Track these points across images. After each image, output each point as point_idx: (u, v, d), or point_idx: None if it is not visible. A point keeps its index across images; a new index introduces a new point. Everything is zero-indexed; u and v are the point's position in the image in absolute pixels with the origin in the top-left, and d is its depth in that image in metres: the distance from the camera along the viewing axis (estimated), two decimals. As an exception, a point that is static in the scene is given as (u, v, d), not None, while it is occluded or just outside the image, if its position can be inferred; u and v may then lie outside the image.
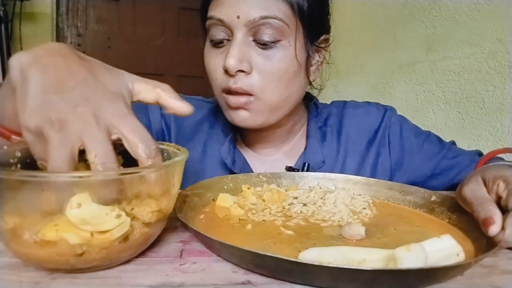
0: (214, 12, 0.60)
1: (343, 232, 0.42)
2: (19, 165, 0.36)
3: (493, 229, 0.37)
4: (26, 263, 0.32)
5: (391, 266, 0.31)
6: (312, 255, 0.33)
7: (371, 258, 0.32)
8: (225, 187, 0.55)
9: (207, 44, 0.63)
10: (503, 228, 0.37)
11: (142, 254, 0.35)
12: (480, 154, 0.75)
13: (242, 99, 0.60)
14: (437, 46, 1.30)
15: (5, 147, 0.36)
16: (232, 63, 0.57)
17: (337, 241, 0.40)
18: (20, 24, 2.29)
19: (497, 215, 0.38)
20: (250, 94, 0.60)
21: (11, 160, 0.36)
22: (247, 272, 0.33)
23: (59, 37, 2.53)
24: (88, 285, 0.30)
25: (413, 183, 0.58)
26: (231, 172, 0.69)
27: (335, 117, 0.76)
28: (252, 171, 0.70)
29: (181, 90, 0.81)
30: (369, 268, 0.28)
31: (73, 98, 0.31)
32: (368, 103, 0.79)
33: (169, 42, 2.76)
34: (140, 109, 0.70)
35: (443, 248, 0.33)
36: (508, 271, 0.36)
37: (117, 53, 2.64)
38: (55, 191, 0.29)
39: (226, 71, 0.59)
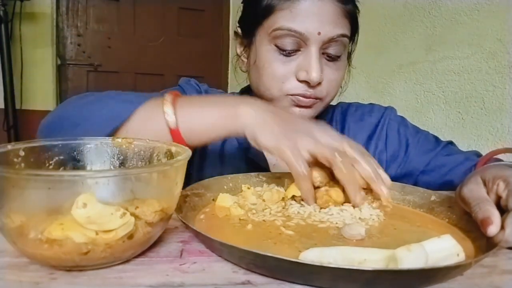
0: (292, 24, 0.62)
1: (343, 232, 0.42)
2: (23, 164, 0.36)
3: (492, 230, 0.37)
4: (30, 261, 0.32)
5: (391, 266, 0.31)
6: (313, 255, 0.33)
7: (371, 258, 0.32)
8: (225, 187, 0.55)
9: (271, 49, 0.65)
10: (502, 228, 0.37)
11: (142, 254, 0.35)
12: (477, 154, 0.75)
13: (311, 102, 0.67)
14: (437, 46, 1.30)
15: (9, 146, 0.36)
16: (317, 77, 0.63)
17: (338, 241, 0.40)
18: (20, 24, 2.29)
19: (494, 215, 0.38)
20: (319, 99, 0.67)
21: (15, 159, 0.36)
22: (247, 272, 0.33)
23: (59, 37, 2.53)
24: (88, 285, 0.30)
25: (405, 176, 0.61)
26: (247, 158, 0.73)
27: (340, 114, 0.83)
28: (265, 158, 0.74)
29: (181, 90, 0.81)
30: (369, 269, 0.28)
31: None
32: (371, 103, 0.85)
33: (169, 42, 2.76)
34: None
35: (443, 248, 0.33)
36: (508, 271, 0.36)
37: (117, 53, 2.64)
38: (61, 190, 0.29)
39: (302, 81, 0.64)
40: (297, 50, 0.64)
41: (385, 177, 0.50)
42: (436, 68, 1.30)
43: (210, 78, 2.86)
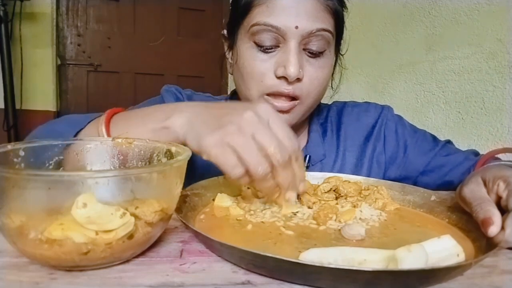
0: (268, 18, 0.61)
1: (343, 232, 0.42)
2: (23, 164, 0.36)
3: (493, 230, 0.37)
4: (30, 261, 0.32)
5: (391, 266, 0.31)
6: (313, 256, 0.33)
7: (371, 259, 0.32)
8: (225, 187, 0.55)
9: (250, 46, 0.64)
10: (503, 228, 0.37)
11: (142, 254, 0.35)
12: (476, 153, 0.75)
13: (287, 104, 0.64)
14: (437, 46, 1.30)
15: (9, 146, 0.36)
16: (294, 72, 0.60)
17: (338, 241, 0.40)
18: (20, 24, 2.29)
19: (496, 215, 0.38)
20: (296, 99, 0.64)
21: (15, 159, 0.36)
22: (247, 272, 0.33)
23: (59, 37, 2.53)
24: (88, 285, 0.30)
25: (405, 178, 0.60)
26: None
27: (335, 114, 0.81)
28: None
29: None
30: (370, 269, 0.28)
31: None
32: (367, 102, 0.83)
33: (169, 42, 2.75)
34: (157, 102, 0.72)
35: (443, 248, 0.33)
36: (508, 271, 0.36)
37: (117, 53, 2.64)
38: (61, 190, 0.29)
39: (281, 77, 0.62)
40: (276, 46, 0.62)
41: (301, 187, 0.47)
42: (436, 68, 1.30)
43: (210, 78, 2.86)
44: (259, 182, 0.42)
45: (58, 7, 2.50)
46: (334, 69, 0.72)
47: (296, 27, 0.60)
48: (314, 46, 0.62)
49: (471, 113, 1.17)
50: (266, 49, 0.63)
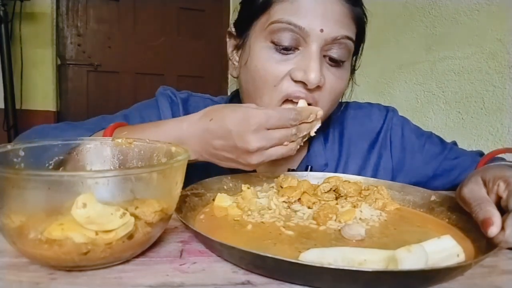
0: (292, 17, 0.56)
1: (343, 233, 0.42)
2: (23, 164, 0.36)
3: (492, 230, 0.37)
4: (30, 261, 0.32)
5: (391, 267, 0.31)
6: (313, 256, 0.33)
7: (371, 259, 0.32)
8: (225, 187, 0.55)
9: (266, 46, 0.58)
10: (503, 228, 0.37)
11: (142, 254, 0.35)
12: (481, 154, 0.75)
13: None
14: (437, 46, 1.30)
15: (9, 147, 0.36)
16: (316, 78, 0.55)
17: (338, 241, 0.40)
18: (20, 24, 2.29)
19: (495, 216, 0.38)
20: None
21: (15, 159, 0.36)
22: (247, 272, 0.33)
23: (59, 37, 2.53)
24: (88, 285, 0.30)
25: (415, 184, 0.58)
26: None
27: (337, 118, 0.76)
28: (255, 171, 0.69)
29: (181, 90, 0.81)
30: (370, 270, 0.28)
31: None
32: (370, 104, 0.79)
33: (169, 42, 2.76)
34: (151, 106, 0.71)
35: (443, 248, 0.33)
36: (508, 271, 0.36)
37: (117, 53, 2.64)
38: (61, 190, 0.29)
39: (298, 81, 0.57)
40: (295, 49, 0.57)
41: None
42: (436, 68, 1.30)
43: (210, 78, 2.86)
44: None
45: (58, 7, 2.50)
46: (348, 84, 0.67)
47: (321, 30, 0.55)
48: (335, 54, 0.58)
49: (471, 113, 1.17)
50: (284, 49, 0.57)
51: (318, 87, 0.57)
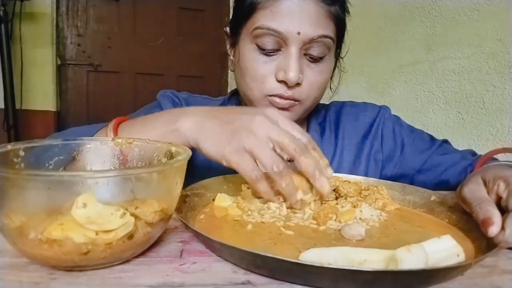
0: (272, 23, 0.61)
1: (343, 232, 0.42)
2: (23, 164, 0.36)
3: (493, 230, 0.37)
4: (30, 261, 0.32)
5: (391, 266, 0.31)
6: (313, 256, 0.33)
7: (371, 259, 0.32)
8: (225, 187, 0.55)
9: (252, 48, 0.65)
10: (503, 228, 0.37)
11: (142, 254, 0.35)
12: (473, 153, 0.76)
13: (288, 104, 0.65)
14: (437, 46, 1.30)
15: (9, 147, 0.36)
16: (294, 77, 0.61)
17: (338, 241, 0.40)
18: (20, 24, 2.29)
19: (496, 215, 0.38)
20: (297, 101, 0.65)
21: (15, 159, 0.36)
22: (247, 272, 0.33)
23: (59, 37, 2.53)
24: (88, 285, 0.30)
25: (402, 176, 0.60)
26: None
27: (333, 113, 0.82)
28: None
29: (181, 90, 0.81)
30: (370, 269, 0.28)
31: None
32: (365, 102, 0.84)
33: (169, 42, 2.75)
34: (154, 107, 0.75)
35: (443, 248, 0.33)
36: (508, 271, 0.36)
37: (117, 53, 2.64)
38: (61, 190, 0.29)
39: (281, 81, 0.63)
40: (277, 50, 0.63)
41: (329, 172, 0.48)
42: (436, 68, 1.30)
43: (210, 78, 2.86)
44: (278, 180, 0.44)
45: (58, 7, 2.50)
46: (333, 72, 0.73)
47: (298, 33, 0.61)
48: (314, 51, 0.63)
49: (471, 113, 1.17)
50: (268, 52, 0.63)
51: (298, 84, 0.64)
